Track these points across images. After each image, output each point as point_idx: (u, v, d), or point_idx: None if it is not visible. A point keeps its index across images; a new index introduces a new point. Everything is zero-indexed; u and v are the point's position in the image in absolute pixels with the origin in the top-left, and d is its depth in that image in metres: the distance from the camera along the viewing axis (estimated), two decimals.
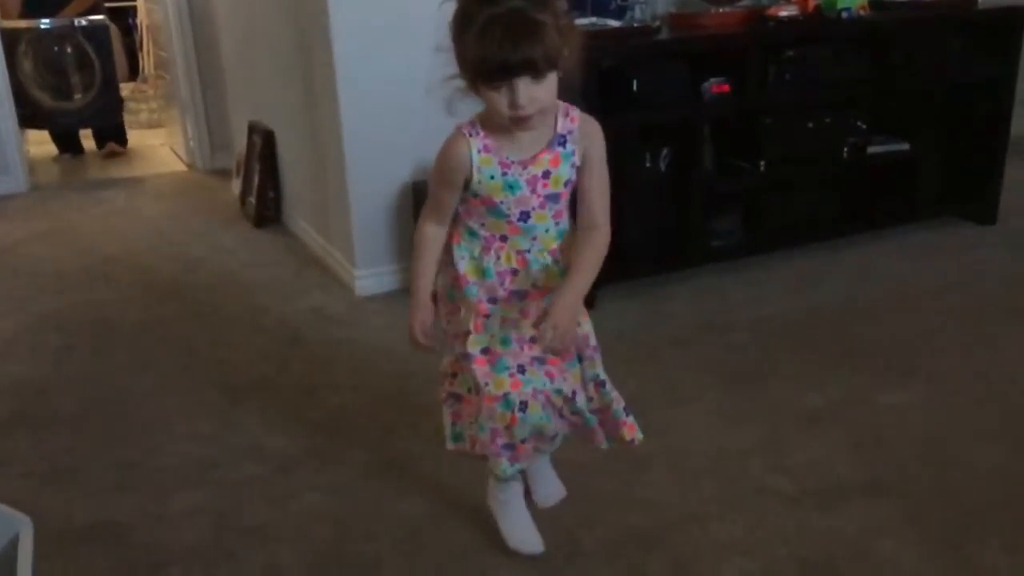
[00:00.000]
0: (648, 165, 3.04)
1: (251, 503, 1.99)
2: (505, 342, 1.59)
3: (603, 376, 1.68)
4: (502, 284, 1.60)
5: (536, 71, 1.37)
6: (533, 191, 1.52)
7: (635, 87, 2.89)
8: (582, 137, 1.53)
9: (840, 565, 1.71)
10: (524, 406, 1.55)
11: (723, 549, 1.77)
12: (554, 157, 1.51)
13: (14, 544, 1.34)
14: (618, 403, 1.70)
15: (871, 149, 3.41)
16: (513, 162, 1.51)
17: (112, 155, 5.80)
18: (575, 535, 1.79)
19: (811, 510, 1.88)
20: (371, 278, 3.18)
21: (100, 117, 5.71)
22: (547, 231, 1.57)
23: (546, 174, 1.52)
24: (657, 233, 3.15)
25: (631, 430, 1.71)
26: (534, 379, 1.57)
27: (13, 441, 2.31)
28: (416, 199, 3.04)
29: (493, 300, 1.60)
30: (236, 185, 4.54)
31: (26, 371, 2.73)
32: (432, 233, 1.62)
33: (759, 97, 3.12)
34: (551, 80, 1.41)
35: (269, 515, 1.95)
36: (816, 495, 1.93)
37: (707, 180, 3.14)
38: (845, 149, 3.34)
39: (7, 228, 4.25)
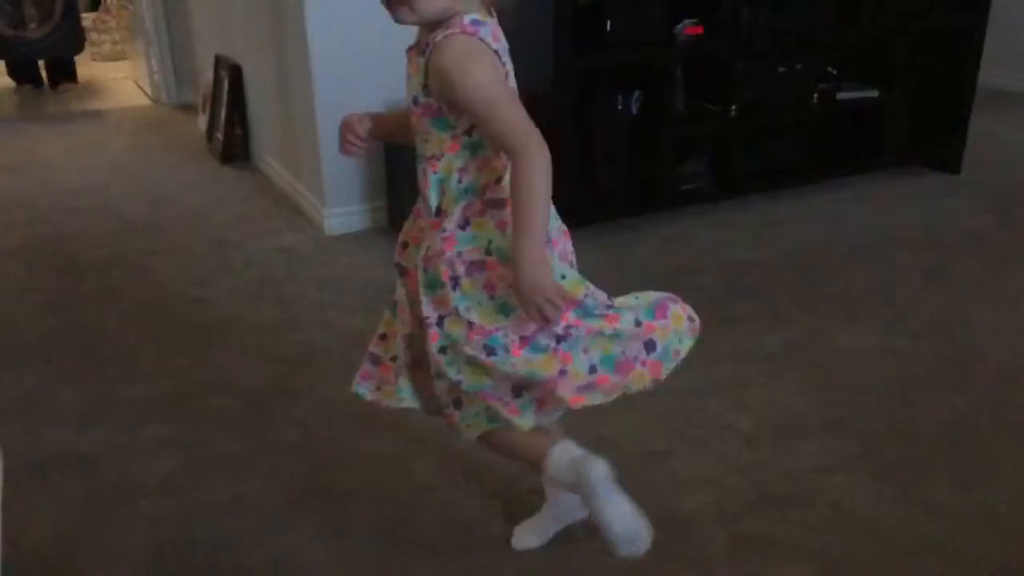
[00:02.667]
0: (620, 108, 3.04)
1: (221, 436, 2.01)
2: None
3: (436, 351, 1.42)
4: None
5: None
6: (408, 80, 1.39)
7: (608, 27, 2.88)
8: (433, 56, 1.28)
9: (796, 500, 1.77)
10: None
11: (683, 484, 1.82)
12: (416, 63, 1.35)
13: None
14: (447, 393, 1.49)
15: (841, 95, 3.43)
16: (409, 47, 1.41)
17: (65, 89, 5.67)
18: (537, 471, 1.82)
19: (769, 447, 1.94)
20: (340, 217, 3.17)
21: (60, 48, 5.56)
22: (418, 135, 1.40)
23: (409, 75, 1.38)
24: (627, 177, 3.16)
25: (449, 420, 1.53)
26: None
27: None
28: None
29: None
30: (202, 120, 4.47)
31: None
32: None
33: (732, 40, 3.12)
34: None
35: (239, 448, 1.97)
36: (774, 433, 1.99)
37: (678, 124, 3.15)
38: (815, 95, 3.36)
39: None
